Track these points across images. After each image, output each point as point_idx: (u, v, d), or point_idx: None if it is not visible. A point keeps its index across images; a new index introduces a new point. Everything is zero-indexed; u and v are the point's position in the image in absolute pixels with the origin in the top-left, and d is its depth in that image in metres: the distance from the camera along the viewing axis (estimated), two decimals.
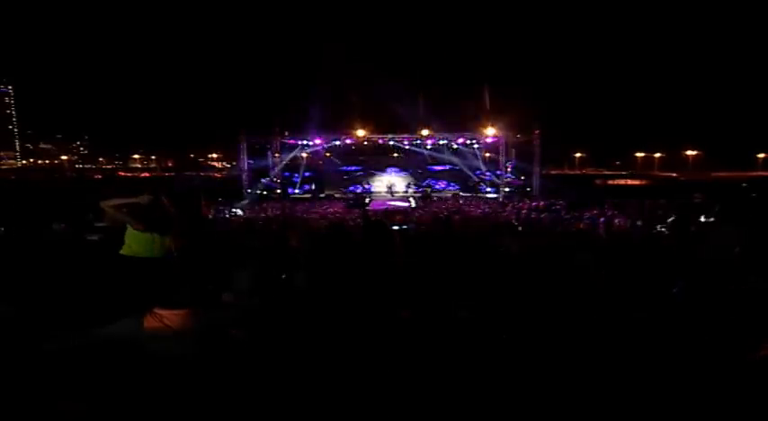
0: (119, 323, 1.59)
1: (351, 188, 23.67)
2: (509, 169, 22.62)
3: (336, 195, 23.07)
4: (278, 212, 15.12)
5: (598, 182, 35.21)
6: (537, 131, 21.33)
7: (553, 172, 43.82)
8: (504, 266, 3.28)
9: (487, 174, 23.79)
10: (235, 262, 2.96)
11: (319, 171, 25.16)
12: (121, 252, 2.57)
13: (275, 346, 1.81)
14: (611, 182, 35.01)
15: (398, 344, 1.84)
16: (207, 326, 1.64)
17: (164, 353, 1.54)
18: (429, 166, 24.60)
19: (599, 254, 3.56)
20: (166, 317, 1.57)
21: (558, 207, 14.57)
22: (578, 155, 56.06)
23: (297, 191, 24.16)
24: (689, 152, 49.21)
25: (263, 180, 23.02)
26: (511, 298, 2.40)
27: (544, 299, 2.36)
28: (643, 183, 34.24)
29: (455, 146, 23.28)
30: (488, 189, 23.47)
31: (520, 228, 7.93)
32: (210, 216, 11.15)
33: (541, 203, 16.76)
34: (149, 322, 1.57)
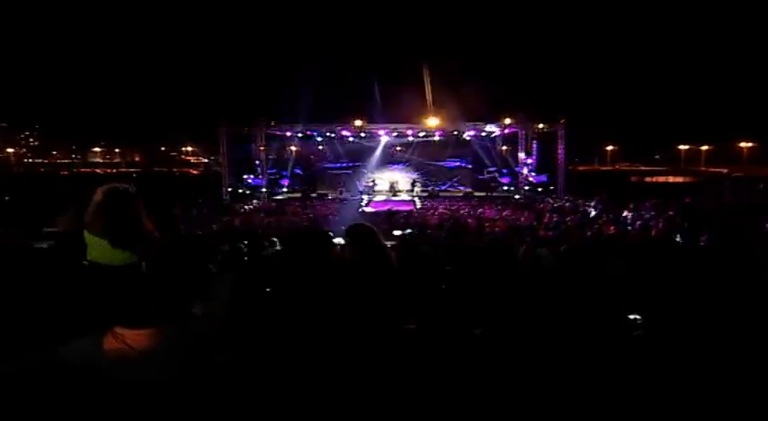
0: (74, 345, 1.59)
1: (358, 188, 23.70)
2: (529, 165, 22.62)
3: (330, 195, 23.12)
4: (261, 215, 15.14)
5: (634, 179, 35.18)
6: (562, 120, 21.32)
7: (581, 168, 43.78)
8: (523, 276, 3.29)
9: (504, 170, 23.82)
10: (210, 271, 2.97)
11: (311, 167, 25.23)
12: (86, 259, 2.58)
13: (258, 366, 1.81)
14: (649, 179, 34.98)
15: (402, 360, 1.84)
16: (176, 345, 1.64)
17: (126, 378, 1.54)
18: (437, 162, 24.66)
19: (634, 261, 3.57)
20: (129, 338, 1.57)
21: (587, 208, 14.57)
22: (610, 148, 55.98)
23: (284, 190, 24.23)
24: (743, 144, 48.97)
25: (245, 177, 23.08)
26: (531, 312, 2.41)
27: (569, 313, 2.36)
28: (687, 179, 34.18)
29: (467, 138, 23.32)
30: (505, 187, 23.49)
31: (542, 233, 7.93)
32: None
33: (567, 204, 16.78)
34: (110, 343, 1.57)
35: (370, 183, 23.99)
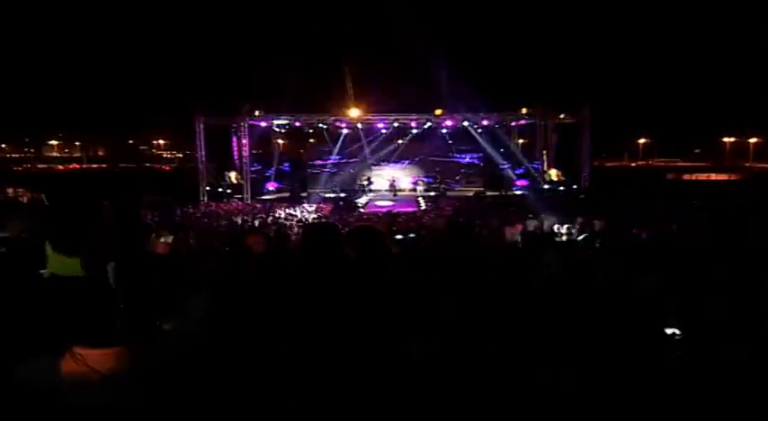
0: (26, 368, 1.58)
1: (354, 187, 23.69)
2: (549, 160, 22.65)
3: (322, 194, 23.16)
4: (246, 217, 15.15)
5: (671, 176, 35.22)
6: (586, 110, 21.37)
7: (608, 163, 43.83)
8: (545, 290, 3.29)
9: (520, 169, 23.82)
10: (185, 283, 2.96)
11: (300, 162, 25.26)
12: (44, 270, 2.60)
13: (238, 393, 1.81)
14: (688, 176, 34.99)
15: (406, 388, 1.84)
16: (145, 366, 1.63)
17: (87, 406, 1.53)
18: (444, 158, 24.70)
19: (670, 274, 3.56)
20: (91, 359, 1.56)
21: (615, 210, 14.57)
22: (642, 141, 55.99)
23: (271, 188, 24.28)
24: None
25: (226, 174, 23.11)
26: (555, 331, 2.41)
27: (599, 334, 2.36)
28: (733, 177, 34.18)
29: (478, 129, 23.35)
30: (521, 186, 23.52)
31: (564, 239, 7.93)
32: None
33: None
34: (68, 365, 1.56)
35: (365, 182, 24.01)
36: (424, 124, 22.83)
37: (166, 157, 68.08)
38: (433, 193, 22.84)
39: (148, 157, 67.24)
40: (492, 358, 2.25)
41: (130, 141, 71.34)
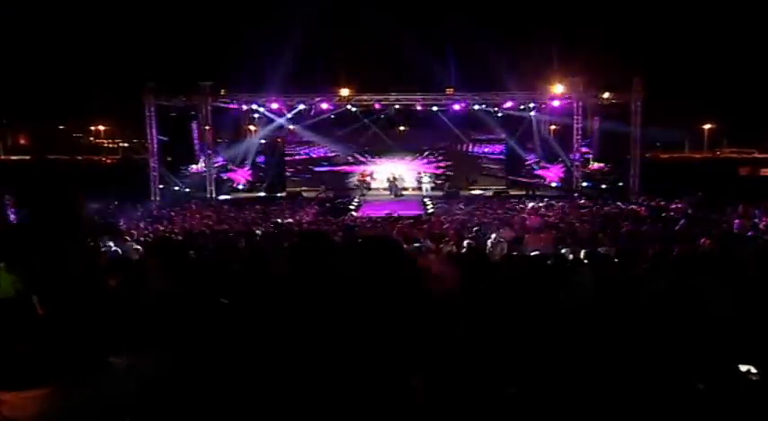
0: None
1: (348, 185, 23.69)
2: (589, 151, 22.69)
3: (305, 194, 23.19)
4: (210, 222, 15.15)
5: (744, 171, 35.24)
6: (638, 88, 21.31)
7: (664, 155, 43.90)
8: (578, 312, 3.30)
9: (557, 166, 23.86)
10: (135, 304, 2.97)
11: (278, 155, 25.29)
12: None
13: None
14: (766, 171, 35.02)
15: None
16: (79, 413, 1.63)
17: None
18: (457, 148, 24.78)
19: (745, 289, 3.57)
20: (8, 405, 1.55)
21: (673, 212, 14.60)
22: (708, 126, 56.07)
23: (240, 187, 24.30)
24: None
25: (185, 169, 23.13)
26: (588, 364, 2.42)
27: (649, 362, 2.37)
28: None
29: (500, 113, 23.41)
30: (554, 183, 23.56)
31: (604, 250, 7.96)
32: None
33: (642, 208, 16.80)
34: None
35: (361, 179, 24.10)
36: (432, 106, 22.84)
37: (108, 147, 68.01)
38: (442, 193, 22.83)
39: (85, 147, 67.16)
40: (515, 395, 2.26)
41: (61, 127, 71.28)
